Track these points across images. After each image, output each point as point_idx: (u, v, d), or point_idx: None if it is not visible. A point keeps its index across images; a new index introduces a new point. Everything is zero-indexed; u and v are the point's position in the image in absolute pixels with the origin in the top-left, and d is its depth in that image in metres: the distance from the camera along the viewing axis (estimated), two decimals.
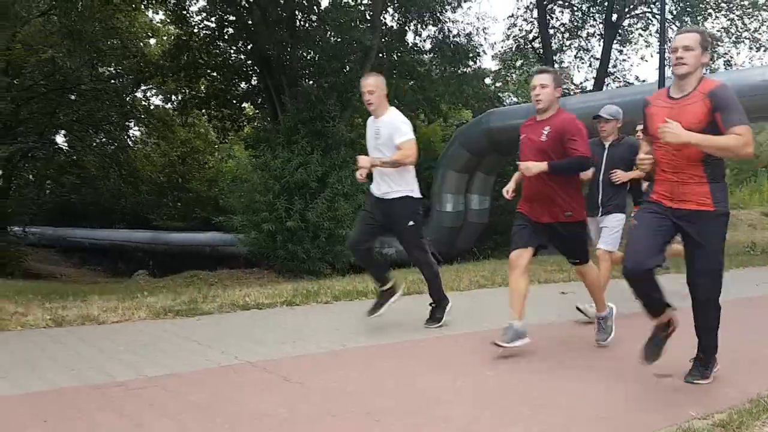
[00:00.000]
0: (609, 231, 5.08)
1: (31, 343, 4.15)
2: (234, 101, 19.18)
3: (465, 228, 16.15)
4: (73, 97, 18.55)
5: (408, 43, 17.17)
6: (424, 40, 17.30)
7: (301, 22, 15.06)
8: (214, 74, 18.56)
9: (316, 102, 14.12)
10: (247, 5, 15.71)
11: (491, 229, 16.83)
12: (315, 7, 14.91)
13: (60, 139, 22.26)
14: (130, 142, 22.01)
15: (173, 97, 20.18)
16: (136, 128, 22.63)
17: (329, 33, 14.18)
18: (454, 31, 16.96)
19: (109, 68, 19.27)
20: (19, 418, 2.77)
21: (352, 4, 15.05)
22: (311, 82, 14.28)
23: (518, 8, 22.34)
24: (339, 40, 14.24)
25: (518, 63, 22.37)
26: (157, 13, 19.20)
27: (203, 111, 19.47)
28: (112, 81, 18.84)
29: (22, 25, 9.54)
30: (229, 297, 6.42)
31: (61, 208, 25.22)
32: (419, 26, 16.86)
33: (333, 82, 14.31)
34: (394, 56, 16.67)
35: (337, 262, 13.70)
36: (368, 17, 14.97)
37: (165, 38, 20.68)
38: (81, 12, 14.01)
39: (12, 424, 2.70)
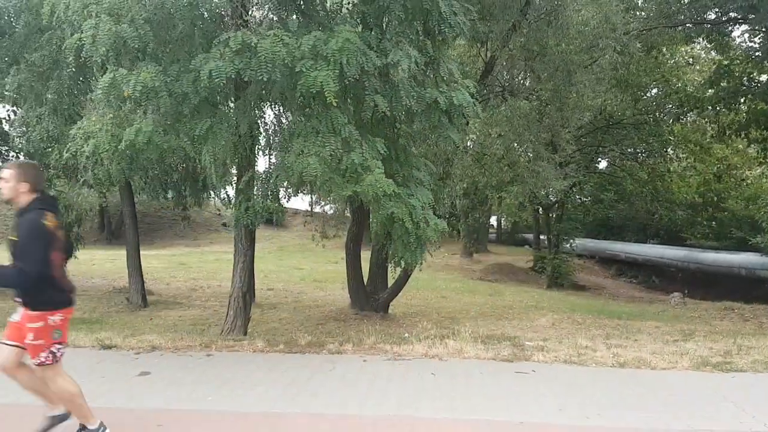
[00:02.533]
0: None
1: (601, 381, 5.93)
2: None
3: None
4: (617, 131, 20.87)
5: None
6: None
7: None
8: (755, 99, 17.96)
9: None
10: None
11: None
12: None
13: (602, 164, 25.09)
14: (667, 168, 22.98)
15: (711, 126, 20.39)
16: (672, 151, 23.50)
17: None
18: None
19: (650, 102, 20.83)
20: None
21: None
22: None
23: None
24: None
25: None
26: (698, 42, 19.67)
27: (742, 134, 19.03)
28: (652, 115, 20.35)
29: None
30: (763, 353, 7.02)
31: (600, 222, 28.30)
32: None
33: None
34: None
35: None
36: None
37: (705, 65, 20.92)
38: (628, 63, 15.94)
39: None
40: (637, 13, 16.56)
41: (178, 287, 16.03)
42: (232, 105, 6.80)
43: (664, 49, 18.93)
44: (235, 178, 7.51)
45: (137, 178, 11.19)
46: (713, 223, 24.65)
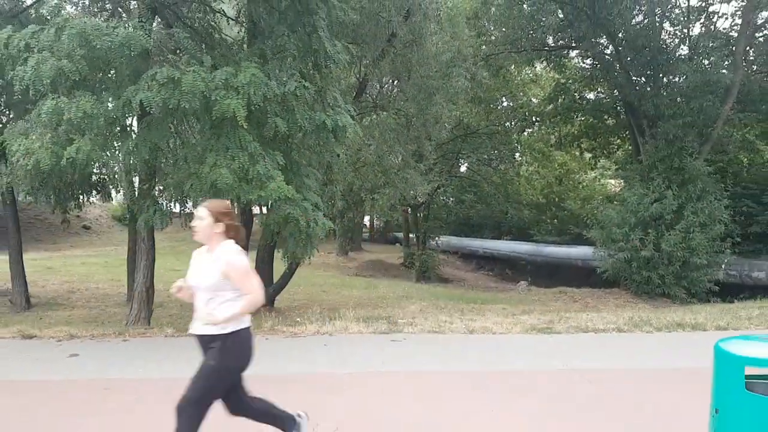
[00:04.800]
0: None
1: (455, 343, 7.64)
2: (604, 133, 21.49)
3: None
4: (473, 139, 23.41)
5: None
6: None
7: (663, 71, 16.47)
8: (586, 114, 21.16)
9: (674, 140, 15.57)
10: (611, 56, 17.89)
11: None
12: (674, 54, 16.20)
13: (463, 168, 27.73)
14: (516, 172, 26.00)
15: (551, 137, 23.53)
16: (518, 156, 26.58)
17: (689, 78, 15.33)
18: None
19: (500, 115, 23.60)
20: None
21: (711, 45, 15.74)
22: (670, 120, 15.62)
23: None
24: (698, 83, 15.24)
25: None
26: (540, 64, 22.62)
27: (575, 144, 22.24)
28: (502, 126, 23.12)
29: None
30: (576, 321, 9.12)
31: (462, 221, 31.06)
32: None
33: (692, 120, 15.42)
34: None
35: (692, 287, 15.03)
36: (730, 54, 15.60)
37: (546, 83, 24.06)
38: (481, 82, 18.29)
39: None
40: (489, 35, 19.00)
41: (55, 290, 15.99)
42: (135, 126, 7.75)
43: (512, 68, 21.67)
44: (144, 185, 8.39)
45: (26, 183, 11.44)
46: (555, 220, 28.10)
